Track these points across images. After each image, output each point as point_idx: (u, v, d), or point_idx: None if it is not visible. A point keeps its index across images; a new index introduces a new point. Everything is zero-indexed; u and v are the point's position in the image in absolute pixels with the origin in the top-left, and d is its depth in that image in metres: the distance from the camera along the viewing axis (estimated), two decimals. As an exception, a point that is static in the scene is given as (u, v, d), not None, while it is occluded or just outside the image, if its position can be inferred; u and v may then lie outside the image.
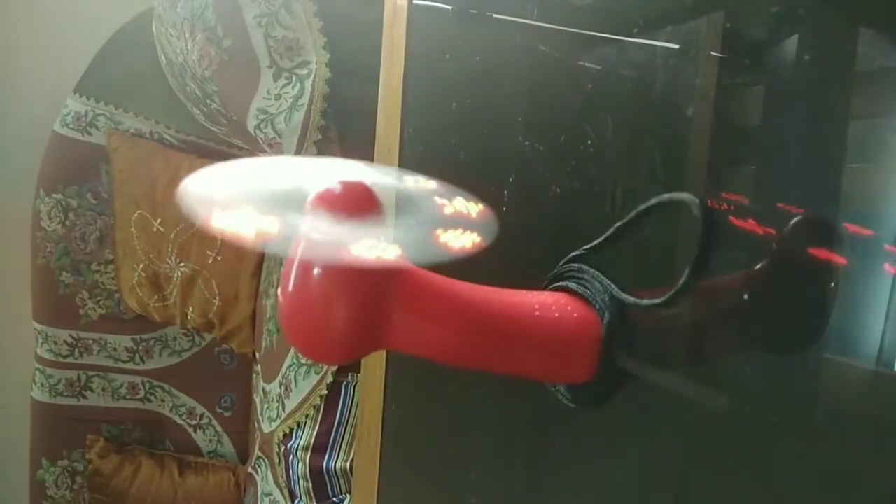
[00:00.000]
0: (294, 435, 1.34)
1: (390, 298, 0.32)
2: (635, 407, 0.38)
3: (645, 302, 0.36)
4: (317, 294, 0.30)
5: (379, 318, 0.32)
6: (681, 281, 0.33)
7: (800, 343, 0.29)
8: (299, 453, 1.33)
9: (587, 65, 0.41)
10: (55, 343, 1.61)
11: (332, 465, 1.31)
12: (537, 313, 0.37)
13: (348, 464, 1.30)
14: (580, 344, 0.37)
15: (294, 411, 1.33)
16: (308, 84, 1.22)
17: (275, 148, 1.27)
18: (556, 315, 0.37)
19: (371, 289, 0.31)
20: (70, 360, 1.62)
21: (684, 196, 0.34)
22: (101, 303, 1.63)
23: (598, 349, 0.37)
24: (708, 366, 0.35)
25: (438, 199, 0.33)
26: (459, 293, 0.35)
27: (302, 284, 0.30)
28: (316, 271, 0.29)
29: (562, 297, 0.39)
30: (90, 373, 1.64)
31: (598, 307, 0.38)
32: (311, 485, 1.33)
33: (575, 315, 0.37)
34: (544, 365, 0.37)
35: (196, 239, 1.54)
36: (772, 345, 0.31)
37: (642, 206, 0.36)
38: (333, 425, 1.31)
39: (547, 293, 0.39)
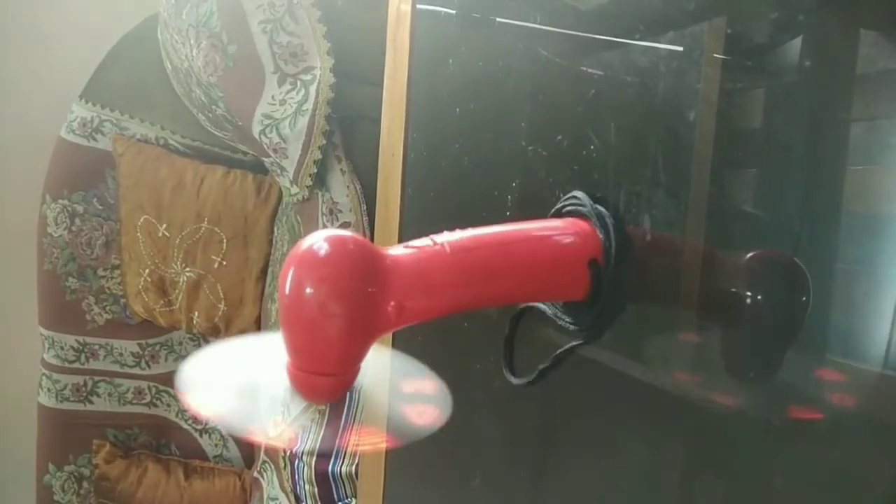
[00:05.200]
0: (300, 439, 1.34)
1: (386, 288, 0.32)
2: (638, 410, 0.38)
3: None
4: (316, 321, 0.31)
5: (379, 309, 0.32)
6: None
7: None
8: (305, 457, 1.33)
9: (590, 70, 0.41)
10: (62, 348, 1.62)
11: (337, 469, 1.32)
12: (530, 231, 0.37)
13: (354, 468, 1.31)
14: (574, 246, 0.37)
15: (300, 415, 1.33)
16: (312, 89, 1.23)
17: (279, 153, 1.28)
18: (549, 228, 0.38)
19: (364, 296, 0.31)
20: (76, 365, 1.63)
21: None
22: (107, 308, 1.64)
23: (593, 249, 0.37)
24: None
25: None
26: (451, 293, 0.35)
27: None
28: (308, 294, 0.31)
29: (552, 219, 0.39)
30: (96, 378, 1.65)
31: (590, 216, 0.38)
32: (316, 489, 1.33)
33: (566, 223, 0.38)
34: (543, 279, 0.37)
35: (201, 243, 1.55)
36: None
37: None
38: (339, 430, 1.31)
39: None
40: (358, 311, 0.31)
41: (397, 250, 0.34)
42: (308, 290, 0.30)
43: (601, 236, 0.36)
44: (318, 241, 0.32)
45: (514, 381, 0.42)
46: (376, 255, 0.33)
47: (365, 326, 0.32)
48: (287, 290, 0.31)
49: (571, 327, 0.39)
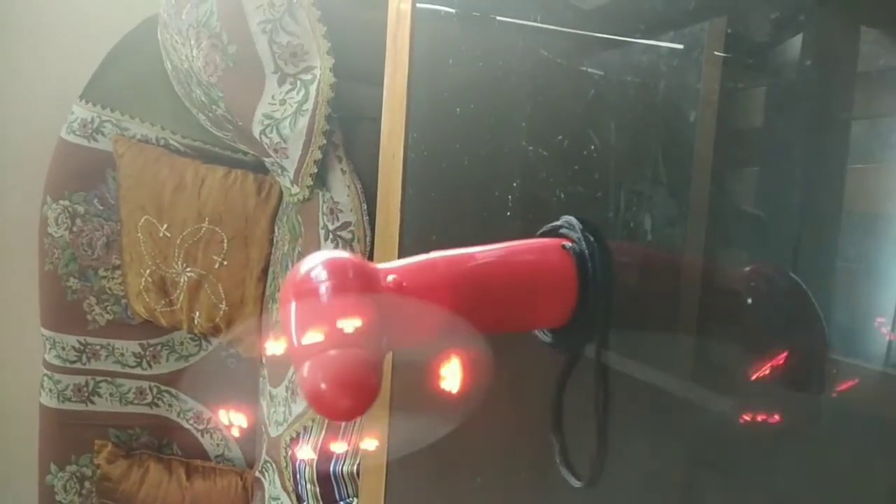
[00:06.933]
0: (301, 439, 1.34)
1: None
2: (640, 411, 0.38)
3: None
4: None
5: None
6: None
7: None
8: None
9: (590, 69, 0.41)
10: (63, 349, 1.62)
11: (339, 468, 1.32)
12: (515, 256, 0.39)
13: (356, 467, 1.31)
14: (559, 270, 0.39)
15: (301, 415, 1.34)
16: (313, 89, 1.22)
17: (280, 153, 1.28)
18: (535, 255, 0.40)
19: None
20: (78, 365, 1.63)
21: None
22: (108, 308, 1.64)
23: (576, 273, 0.38)
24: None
25: None
26: (442, 275, 0.36)
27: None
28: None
29: (540, 241, 0.40)
30: (98, 378, 1.65)
31: (574, 238, 0.39)
32: (318, 489, 1.33)
33: (550, 249, 0.40)
34: (533, 299, 0.39)
35: (202, 244, 1.55)
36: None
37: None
38: (341, 429, 1.31)
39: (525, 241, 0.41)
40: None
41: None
42: (311, 334, 0.31)
43: (569, 233, 0.38)
44: (315, 265, 0.33)
45: (578, 483, 0.42)
46: (368, 265, 0.34)
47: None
48: (294, 335, 0.32)
49: (581, 339, 0.40)
